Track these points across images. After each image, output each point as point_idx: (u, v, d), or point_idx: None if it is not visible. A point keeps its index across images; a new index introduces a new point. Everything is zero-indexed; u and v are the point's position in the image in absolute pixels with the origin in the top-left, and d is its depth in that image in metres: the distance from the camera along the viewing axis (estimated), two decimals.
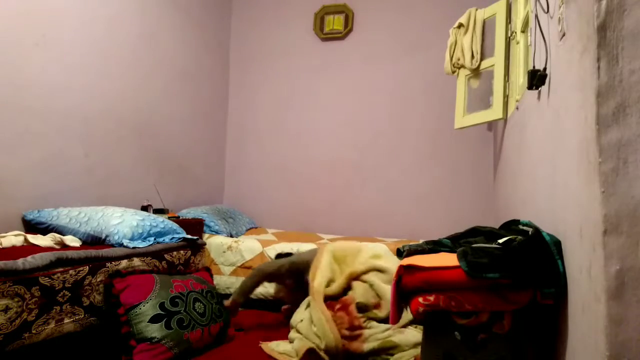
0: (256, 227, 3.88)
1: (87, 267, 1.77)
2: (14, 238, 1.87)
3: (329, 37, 4.00)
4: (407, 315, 1.72)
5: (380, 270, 2.24)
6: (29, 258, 1.56)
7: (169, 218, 2.63)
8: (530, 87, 1.48)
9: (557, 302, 1.18)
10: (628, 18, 0.87)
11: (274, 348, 2.07)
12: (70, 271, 1.69)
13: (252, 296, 2.78)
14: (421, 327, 1.97)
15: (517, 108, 2.14)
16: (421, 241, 1.85)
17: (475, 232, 1.51)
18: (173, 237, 2.34)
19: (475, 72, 2.85)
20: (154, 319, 1.82)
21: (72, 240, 2.01)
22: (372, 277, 2.21)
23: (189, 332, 1.90)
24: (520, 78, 2.21)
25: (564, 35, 1.18)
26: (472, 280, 1.15)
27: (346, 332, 2.00)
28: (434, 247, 1.44)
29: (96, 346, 1.85)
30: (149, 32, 3.18)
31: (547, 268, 1.15)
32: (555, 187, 1.29)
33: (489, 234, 1.45)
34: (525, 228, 1.36)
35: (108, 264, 1.88)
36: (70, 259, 1.71)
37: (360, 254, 2.39)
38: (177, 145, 3.54)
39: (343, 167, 3.93)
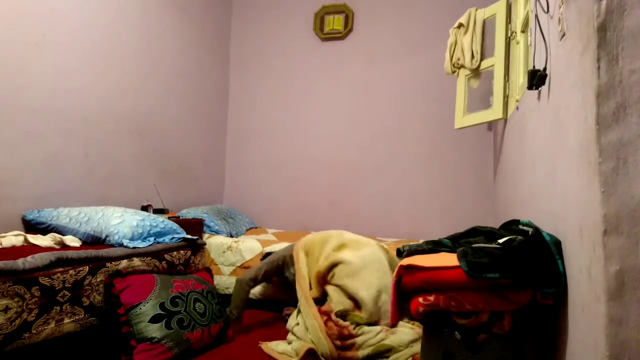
0: (256, 227, 3.88)
1: (87, 267, 1.77)
2: (14, 238, 1.87)
3: (329, 37, 4.00)
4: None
5: (340, 262, 2.24)
6: (29, 258, 1.56)
7: (169, 218, 2.63)
8: (530, 87, 1.48)
9: (557, 302, 1.18)
10: (628, 18, 0.87)
11: (274, 348, 2.07)
12: (70, 271, 1.69)
13: (252, 296, 2.79)
14: (414, 322, 1.98)
15: (517, 108, 2.14)
16: (421, 241, 1.85)
17: (475, 232, 1.51)
18: (173, 237, 2.34)
19: (475, 72, 2.85)
20: (154, 319, 1.82)
21: (72, 240, 2.01)
22: (339, 279, 2.21)
23: (189, 332, 1.90)
24: (520, 78, 2.21)
25: (564, 35, 1.18)
26: (472, 280, 1.15)
27: (338, 343, 1.99)
28: (434, 247, 1.44)
29: (96, 346, 1.85)
30: (148, 32, 3.18)
31: (547, 268, 1.15)
32: (555, 187, 1.29)
33: (489, 234, 1.45)
34: (525, 228, 1.36)
35: (108, 264, 1.88)
36: (70, 259, 1.71)
37: (326, 246, 2.39)
38: (177, 145, 3.54)
39: (343, 167, 3.93)
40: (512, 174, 2.33)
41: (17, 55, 2.21)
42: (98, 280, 1.81)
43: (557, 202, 1.25)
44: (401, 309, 1.36)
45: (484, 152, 3.57)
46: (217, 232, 3.29)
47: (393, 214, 3.75)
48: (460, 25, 2.90)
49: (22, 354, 1.53)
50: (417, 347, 1.90)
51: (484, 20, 2.80)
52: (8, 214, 2.17)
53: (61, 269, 1.66)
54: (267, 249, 2.91)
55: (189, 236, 2.43)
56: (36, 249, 1.78)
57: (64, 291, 1.65)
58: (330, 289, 2.23)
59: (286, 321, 2.36)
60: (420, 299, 1.23)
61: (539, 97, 1.55)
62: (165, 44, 3.37)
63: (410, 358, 1.88)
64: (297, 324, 2.19)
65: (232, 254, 2.95)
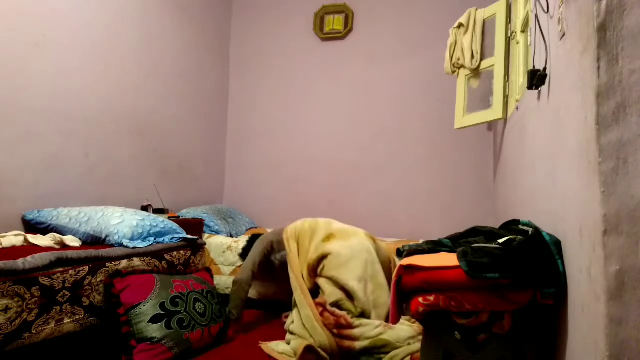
0: (256, 227, 3.88)
1: (87, 267, 1.77)
2: (14, 238, 1.87)
3: (329, 37, 4.00)
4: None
5: (329, 253, 2.27)
6: (29, 258, 1.56)
7: (169, 218, 2.63)
8: (530, 87, 1.48)
9: (557, 302, 1.18)
10: (628, 18, 0.87)
11: (274, 348, 2.07)
12: (70, 271, 1.69)
13: (252, 296, 2.79)
14: (414, 321, 1.98)
15: (517, 108, 2.14)
16: (421, 241, 1.85)
17: (475, 232, 1.51)
18: (173, 237, 2.34)
19: (475, 72, 2.85)
20: (154, 319, 1.82)
21: (72, 240, 2.01)
22: (328, 271, 2.24)
23: (189, 332, 1.90)
24: (520, 78, 2.21)
25: (564, 35, 1.18)
26: (472, 280, 1.15)
27: (335, 331, 2.02)
28: (434, 247, 1.44)
29: (96, 346, 1.85)
30: (148, 32, 3.18)
31: (547, 268, 1.15)
32: (555, 187, 1.29)
33: (489, 234, 1.45)
34: (525, 228, 1.36)
35: (108, 264, 1.88)
36: (70, 259, 1.71)
37: (315, 237, 2.42)
38: (177, 145, 3.54)
39: (343, 167, 3.93)
40: (512, 174, 2.33)
41: (17, 55, 2.21)
42: (98, 280, 1.81)
43: (557, 202, 1.25)
44: (401, 309, 1.37)
45: (484, 152, 3.57)
46: (217, 232, 3.29)
47: (393, 214, 3.75)
48: (460, 25, 2.90)
49: (22, 354, 1.53)
50: (415, 346, 1.90)
51: (484, 20, 2.80)
52: (8, 214, 2.17)
53: (61, 269, 1.65)
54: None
55: (189, 236, 2.43)
56: (36, 249, 1.78)
57: (64, 291, 1.65)
58: (321, 281, 2.26)
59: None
60: (420, 299, 1.23)
61: (539, 97, 1.55)
62: (165, 44, 3.37)
63: (409, 357, 1.88)
64: (293, 322, 2.19)
65: (232, 254, 2.95)
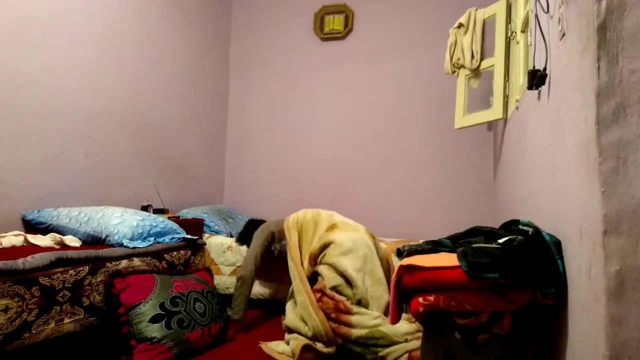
0: None
1: (87, 267, 1.77)
2: (14, 238, 1.87)
3: (329, 37, 4.00)
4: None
5: (332, 242, 2.30)
6: (29, 258, 1.56)
7: (169, 218, 2.63)
8: (530, 87, 1.48)
9: (557, 302, 1.18)
10: (628, 18, 0.87)
11: (274, 348, 2.08)
12: (70, 271, 1.69)
13: (252, 296, 2.79)
14: (412, 319, 1.98)
15: (517, 108, 2.14)
16: (421, 241, 1.85)
17: (475, 232, 1.51)
18: (173, 237, 2.34)
19: (475, 72, 2.85)
20: (154, 319, 1.82)
21: (72, 240, 2.01)
22: (329, 257, 2.26)
23: (189, 332, 1.90)
24: (520, 78, 2.21)
25: (564, 35, 1.18)
26: (472, 280, 1.15)
27: (333, 315, 2.03)
28: (434, 247, 1.44)
29: (96, 346, 1.85)
30: (148, 32, 3.18)
31: (547, 268, 1.15)
32: (555, 187, 1.29)
33: (489, 234, 1.44)
34: (525, 228, 1.36)
35: (108, 264, 1.88)
36: (70, 259, 1.71)
37: (319, 227, 2.45)
38: (177, 145, 3.54)
39: (343, 167, 3.93)
40: (512, 174, 2.33)
41: (17, 55, 2.21)
42: (98, 280, 1.81)
43: (557, 202, 1.25)
44: (401, 309, 1.37)
45: (484, 152, 3.57)
46: (217, 232, 3.29)
47: (393, 213, 3.75)
48: (460, 25, 2.90)
49: (22, 354, 1.53)
50: (413, 343, 1.90)
51: (484, 20, 2.80)
52: (8, 214, 2.17)
53: (61, 269, 1.66)
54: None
55: (189, 236, 2.43)
56: (36, 249, 1.78)
57: (64, 291, 1.65)
58: (321, 267, 2.27)
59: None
60: (420, 299, 1.23)
61: (539, 97, 1.55)
62: (165, 44, 3.37)
63: (406, 355, 1.87)
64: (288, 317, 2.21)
65: (232, 254, 2.95)
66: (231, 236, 3.37)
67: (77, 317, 1.70)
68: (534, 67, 1.59)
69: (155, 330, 1.80)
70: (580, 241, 1.01)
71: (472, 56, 2.81)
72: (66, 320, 1.65)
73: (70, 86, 2.52)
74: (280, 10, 4.20)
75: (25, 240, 1.90)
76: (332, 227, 2.41)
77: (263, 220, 2.89)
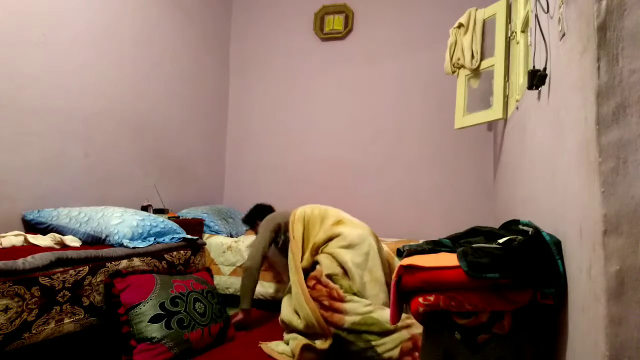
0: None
1: (87, 267, 1.77)
2: (14, 238, 1.87)
3: (329, 37, 4.00)
4: None
5: (338, 235, 2.32)
6: (29, 258, 1.56)
7: (169, 218, 2.63)
8: (530, 87, 1.48)
9: (557, 302, 1.18)
10: (628, 18, 0.87)
11: (274, 348, 2.08)
12: (70, 271, 1.69)
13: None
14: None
15: (517, 108, 2.14)
16: (421, 241, 1.85)
17: (475, 232, 1.51)
18: (173, 237, 2.34)
19: (475, 72, 2.85)
20: (154, 319, 1.82)
21: (72, 240, 2.01)
22: (332, 248, 2.27)
23: (189, 332, 1.90)
24: (520, 78, 2.21)
25: (564, 35, 1.18)
26: (472, 280, 1.15)
27: (326, 302, 2.05)
28: (434, 247, 1.44)
29: (96, 346, 1.85)
30: (148, 32, 3.18)
31: (547, 268, 1.15)
32: (555, 187, 1.29)
33: (489, 234, 1.44)
34: (525, 228, 1.36)
35: (108, 264, 1.88)
36: (70, 259, 1.71)
37: (325, 222, 2.45)
38: (177, 145, 3.54)
39: (343, 167, 3.93)
40: (512, 174, 2.33)
41: (17, 55, 2.21)
42: (98, 280, 1.81)
43: (557, 202, 1.25)
44: (401, 309, 1.37)
45: (484, 152, 3.57)
46: (217, 232, 3.29)
47: (393, 213, 3.75)
48: (460, 25, 2.90)
49: (22, 354, 1.53)
50: (403, 334, 1.90)
51: (484, 20, 2.80)
52: (8, 214, 2.17)
53: (61, 269, 1.66)
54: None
55: (189, 236, 2.43)
56: (36, 249, 1.78)
57: (64, 291, 1.65)
58: (321, 256, 2.29)
59: None
60: (420, 299, 1.23)
61: (539, 97, 1.55)
62: (165, 44, 3.37)
63: (398, 348, 1.87)
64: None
65: (232, 254, 2.95)
66: (231, 236, 3.37)
67: (77, 317, 1.70)
68: (534, 67, 1.59)
69: (155, 330, 1.80)
70: (580, 241, 1.01)
71: (472, 56, 2.81)
72: (66, 320, 1.65)
73: (70, 86, 2.52)
74: (280, 10, 4.20)
75: (25, 240, 1.90)
76: (338, 222, 2.43)
77: (270, 206, 2.90)
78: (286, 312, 2.18)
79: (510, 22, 2.61)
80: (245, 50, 4.30)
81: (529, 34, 1.90)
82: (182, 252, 2.34)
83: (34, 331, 1.52)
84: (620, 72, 0.87)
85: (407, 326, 1.90)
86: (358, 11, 3.97)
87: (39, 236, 1.96)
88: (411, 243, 1.76)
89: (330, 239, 2.33)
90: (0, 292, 1.42)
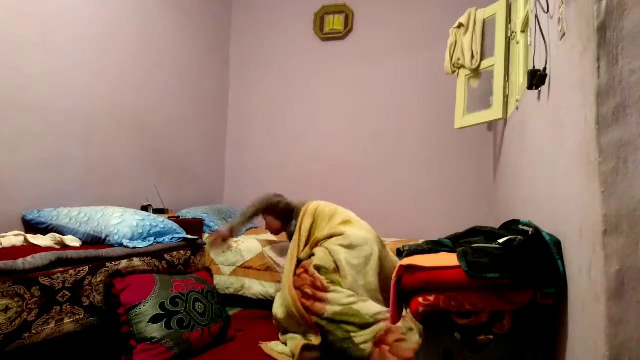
0: (256, 227, 3.87)
1: (87, 267, 1.77)
2: (14, 238, 1.87)
3: (328, 37, 4.00)
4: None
5: (341, 234, 2.33)
6: (29, 258, 1.56)
7: (169, 218, 2.63)
8: (530, 87, 1.48)
9: (557, 302, 1.18)
10: (628, 18, 0.87)
11: (274, 348, 2.08)
12: (70, 271, 1.69)
13: (252, 296, 2.79)
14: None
15: (517, 108, 2.14)
16: (421, 241, 1.85)
17: (475, 232, 1.51)
18: (173, 237, 2.34)
19: (475, 72, 2.85)
20: (154, 319, 1.82)
21: (72, 240, 2.01)
22: (331, 244, 2.28)
23: (189, 332, 1.90)
24: (520, 78, 2.21)
25: (564, 35, 1.18)
26: (472, 280, 1.15)
27: (309, 291, 2.08)
28: (434, 247, 1.44)
29: (96, 346, 1.85)
30: (149, 32, 3.18)
31: (547, 268, 1.15)
32: (555, 187, 1.29)
33: (489, 234, 1.44)
34: (525, 228, 1.36)
35: (108, 264, 1.88)
36: (70, 259, 1.71)
37: (333, 220, 2.48)
38: (177, 145, 3.54)
39: (342, 167, 3.93)
40: (512, 174, 2.33)
41: (17, 55, 2.21)
42: (98, 280, 1.81)
43: (557, 202, 1.25)
44: (401, 309, 1.36)
45: (484, 152, 3.57)
46: None
47: (393, 213, 3.75)
48: (460, 25, 2.90)
49: (22, 354, 1.53)
50: (378, 326, 1.90)
51: (484, 20, 2.80)
52: (8, 214, 2.17)
53: (61, 269, 1.65)
54: (266, 249, 2.91)
55: (189, 236, 2.43)
56: (36, 249, 1.78)
57: (64, 291, 1.65)
58: (318, 249, 2.30)
59: None
60: (420, 299, 1.23)
61: (539, 97, 1.55)
62: (165, 44, 3.37)
63: (373, 338, 1.88)
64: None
65: (232, 254, 2.95)
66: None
67: (77, 317, 1.70)
68: (534, 67, 1.59)
69: (155, 330, 1.79)
70: (580, 241, 1.01)
71: (472, 56, 2.81)
72: (66, 320, 1.65)
73: (70, 86, 2.52)
74: (280, 10, 4.20)
75: (25, 240, 1.90)
76: (346, 222, 2.44)
77: (282, 195, 2.93)
78: (275, 305, 2.23)
79: (510, 22, 2.61)
80: (245, 50, 4.30)
81: (529, 34, 1.90)
82: (182, 252, 2.34)
83: (34, 331, 1.52)
84: (620, 72, 0.88)
85: (386, 319, 1.91)
86: (358, 11, 3.97)
87: (39, 236, 1.96)
88: (411, 243, 1.76)
89: (332, 236, 2.34)
90: (0, 292, 1.42)
